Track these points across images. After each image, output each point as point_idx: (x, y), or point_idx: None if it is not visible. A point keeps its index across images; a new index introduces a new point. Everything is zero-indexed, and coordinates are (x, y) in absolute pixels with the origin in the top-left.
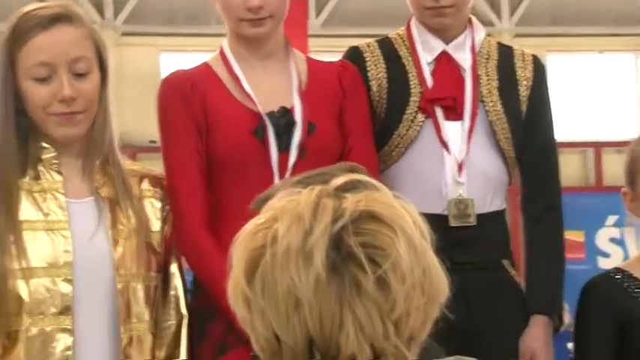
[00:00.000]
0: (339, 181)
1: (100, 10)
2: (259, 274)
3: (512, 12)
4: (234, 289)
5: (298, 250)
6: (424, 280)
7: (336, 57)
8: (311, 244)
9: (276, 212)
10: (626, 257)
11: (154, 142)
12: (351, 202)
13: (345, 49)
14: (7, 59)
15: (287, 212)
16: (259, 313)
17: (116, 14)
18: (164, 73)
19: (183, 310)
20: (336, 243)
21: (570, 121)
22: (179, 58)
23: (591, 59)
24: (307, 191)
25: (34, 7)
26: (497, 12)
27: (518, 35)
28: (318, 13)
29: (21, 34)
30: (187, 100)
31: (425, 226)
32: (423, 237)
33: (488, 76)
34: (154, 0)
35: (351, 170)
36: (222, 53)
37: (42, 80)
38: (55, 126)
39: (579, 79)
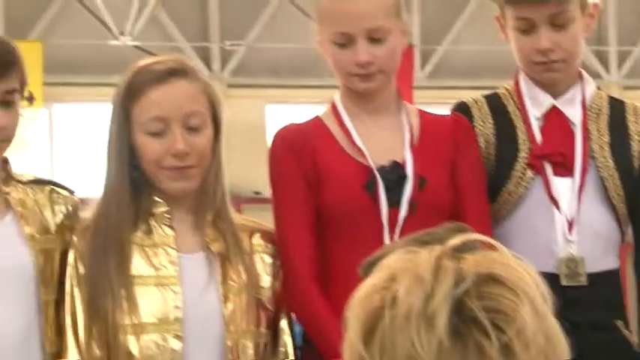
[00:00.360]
0: (457, 240)
1: (208, 63)
2: (378, 336)
3: (620, 64)
4: (350, 350)
5: (419, 313)
6: (547, 347)
7: (442, 109)
8: (433, 308)
9: (394, 272)
10: None
11: (258, 193)
12: (472, 263)
13: (451, 100)
14: (122, 113)
15: (406, 273)
16: None
17: (223, 66)
18: (269, 124)
19: None
20: (459, 307)
21: None
22: (284, 109)
23: None
24: (426, 251)
25: (150, 62)
26: (605, 64)
27: (626, 88)
28: (424, 64)
29: (136, 88)
30: (299, 155)
31: (545, 288)
32: (544, 300)
33: (599, 131)
34: (260, 53)
35: (459, 230)
36: (333, 107)
37: (156, 134)
38: (168, 180)
39: None
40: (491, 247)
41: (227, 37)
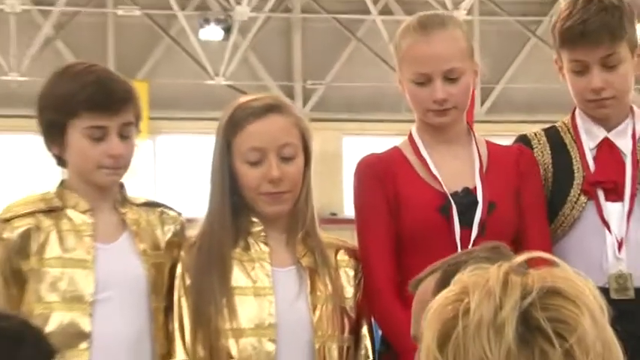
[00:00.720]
0: (522, 257)
1: (291, 100)
2: (452, 343)
3: None
4: (426, 354)
5: (490, 323)
6: (604, 353)
7: (499, 140)
8: (502, 318)
9: (466, 286)
10: None
11: (334, 214)
12: (537, 278)
13: (506, 133)
14: (224, 144)
15: (478, 287)
16: None
17: (305, 103)
18: (345, 155)
19: None
20: (525, 318)
21: None
22: (359, 140)
23: None
24: (495, 268)
25: (249, 99)
26: None
27: None
28: (483, 101)
29: (237, 122)
30: (382, 181)
31: (603, 301)
32: (601, 311)
33: None
34: (337, 91)
35: (494, 248)
36: (410, 138)
37: (254, 163)
38: (265, 204)
39: None
40: (553, 264)
41: (308, 77)
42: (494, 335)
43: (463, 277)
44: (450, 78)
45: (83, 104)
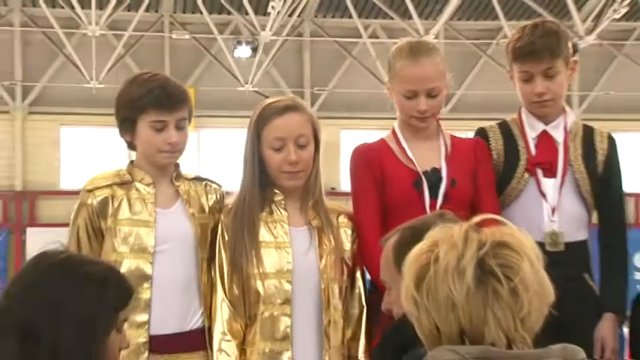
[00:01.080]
0: (477, 218)
1: None
2: (425, 284)
3: (580, 103)
4: (406, 292)
5: (454, 268)
6: (539, 290)
7: (459, 134)
8: (463, 264)
9: (436, 240)
10: None
11: (334, 188)
12: (489, 234)
13: (465, 128)
14: (255, 135)
15: (445, 241)
16: (424, 311)
17: (312, 104)
18: (343, 144)
19: (364, 303)
20: (481, 264)
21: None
22: (353, 133)
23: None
24: (458, 226)
25: (273, 100)
26: (570, 104)
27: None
28: (447, 103)
29: (264, 117)
30: (369, 163)
31: (539, 251)
32: (537, 259)
33: (575, 147)
34: (337, 95)
35: (440, 215)
36: (393, 132)
37: (277, 150)
38: (285, 180)
39: None
40: (502, 224)
41: (315, 85)
42: (458, 277)
43: (433, 233)
44: (431, 95)
45: (150, 103)
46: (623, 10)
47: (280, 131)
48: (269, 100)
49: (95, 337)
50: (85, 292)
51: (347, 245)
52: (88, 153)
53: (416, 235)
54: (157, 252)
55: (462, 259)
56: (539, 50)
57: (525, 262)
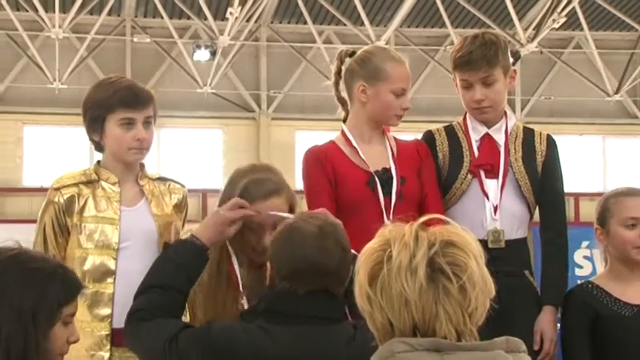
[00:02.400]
0: (424, 218)
1: (259, 104)
2: (379, 281)
3: (523, 108)
4: (360, 289)
5: (407, 267)
6: (484, 286)
7: (408, 135)
8: (415, 263)
9: (388, 239)
10: (593, 269)
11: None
12: (438, 233)
13: (413, 129)
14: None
15: (397, 240)
16: (378, 307)
17: (268, 106)
18: (298, 144)
19: None
20: (431, 262)
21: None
22: (308, 134)
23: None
24: (408, 226)
25: (259, 178)
26: (513, 108)
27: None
28: None
29: (251, 197)
30: (323, 164)
31: (481, 249)
32: (481, 256)
33: (515, 149)
34: (292, 97)
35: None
36: (343, 134)
37: (252, 230)
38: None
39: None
40: (446, 223)
41: (271, 87)
42: (410, 275)
43: (384, 232)
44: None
45: (118, 102)
46: (562, 20)
47: (264, 213)
48: (255, 177)
49: (36, 329)
50: (29, 285)
51: None
52: (50, 151)
53: None
54: (121, 248)
55: (414, 258)
56: (476, 60)
57: (472, 260)
